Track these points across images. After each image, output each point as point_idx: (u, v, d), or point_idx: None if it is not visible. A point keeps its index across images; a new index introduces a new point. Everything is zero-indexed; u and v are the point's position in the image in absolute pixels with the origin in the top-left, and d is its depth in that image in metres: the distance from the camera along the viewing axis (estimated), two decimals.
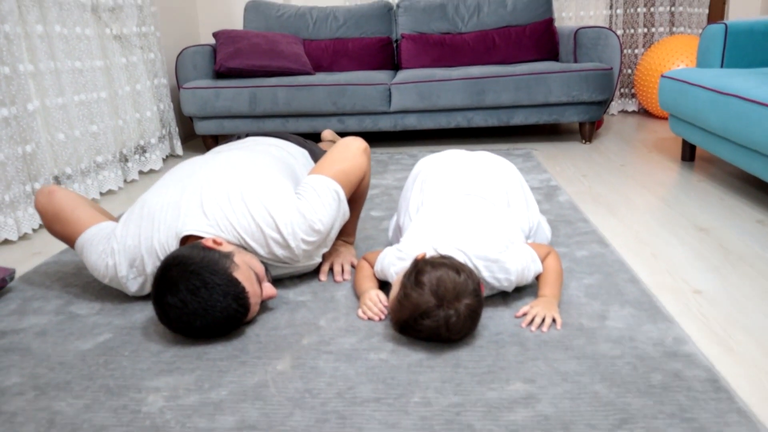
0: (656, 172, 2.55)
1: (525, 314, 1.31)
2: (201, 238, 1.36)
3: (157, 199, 1.43)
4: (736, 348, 1.19)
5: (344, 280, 1.56)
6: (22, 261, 1.89)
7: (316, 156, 1.99)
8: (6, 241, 2.06)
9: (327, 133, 2.94)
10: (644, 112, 4.13)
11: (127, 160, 2.85)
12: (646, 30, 4.13)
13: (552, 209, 2.05)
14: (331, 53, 3.66)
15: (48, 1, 2.31)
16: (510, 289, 1.35)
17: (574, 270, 1.56)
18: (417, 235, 1.40)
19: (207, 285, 1.20)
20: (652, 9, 4.06)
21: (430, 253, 1.29)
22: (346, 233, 1.70)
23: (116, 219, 1.63)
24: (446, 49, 3.60)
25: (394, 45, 3.74)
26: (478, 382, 1.10)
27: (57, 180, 2.38)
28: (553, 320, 1.28)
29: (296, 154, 1.84)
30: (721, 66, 2.59)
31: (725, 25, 2.57)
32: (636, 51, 4.12)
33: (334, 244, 1.66)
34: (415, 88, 3.10)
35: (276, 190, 1.42)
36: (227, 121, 3.28)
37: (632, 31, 4.11)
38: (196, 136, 3.94)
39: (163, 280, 1.22)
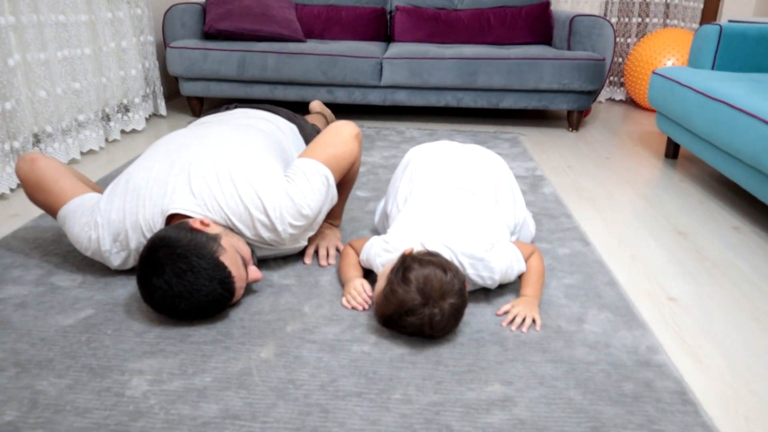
0: (640, 168, 2.58)
1: (506, 312, 1.33)
2: (187, 217, 1.35)
3: (143, 174, 1.42)
4: (705, 360, 1.23)
5: (329, 264, 1.57)
6: (0, 222, 1.86)
7: (305, 131, 1.98)
8: None
9: (315, 104, 2.90)
10: (631, 102, 4.16)
11: (109, 119, 2.79)
12: (640, 20, 4.12)
13: (537, 201, 2.08)
14: (324, 20, 3.60)
15: None
16: (493, 286, 1.37)
17: (555, 268, 1.59)
18: (405, 227, 1.41)
19: (193, 269, 1.20)
20: None
21: (417, 248, 1.31)
22: (333, 216, 1.71)
23: (100, 190, 1.61)
24: (440, 25, 3.56)
25: (388, 16, 3.69)
26: (457, 381, 1.13)
27: (37, 138, 2.33)
28: (533, 321, 1.30)
29: (285, 129, 1.83)
30: (712, 68, 2.61)
31: (720, 27, 2.58)
32: (629, 40, 4.12)
33: (321, 227, 1.66)
34: (407, 64, 3.08)
35: (265, 171, 1.41)
36: (214, 84, 3.22)
37: (626, 20, 4.11)
38: (180, 96, 3.87)
39: (149, 261, 1.21)
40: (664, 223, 1.95)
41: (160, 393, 1.07)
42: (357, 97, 3.20)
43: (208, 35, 3.26)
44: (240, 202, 1.36)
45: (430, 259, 1.23)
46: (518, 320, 1.30)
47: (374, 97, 3.21)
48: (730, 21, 3.17)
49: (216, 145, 1.47)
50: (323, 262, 1.57)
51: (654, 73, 2.68)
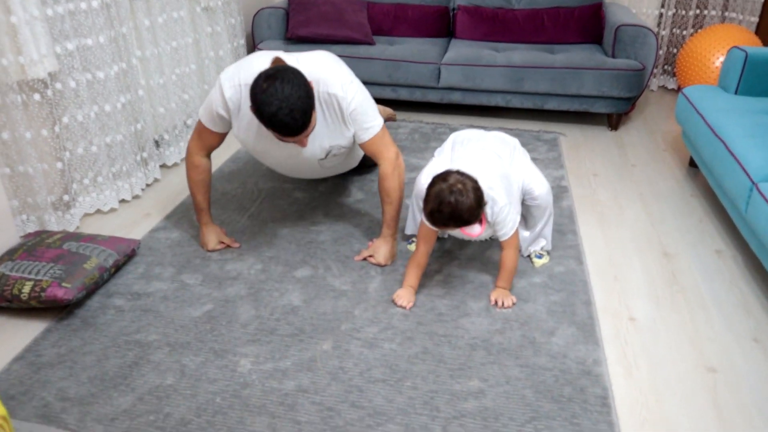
0: (660, 178, 2.95)
1: (495, 301, 1.94)
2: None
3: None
4: (634, 373, 1.73)
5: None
6: (138, 221, 2.52)
7: None
8: (123, 201, 2.70)
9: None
10: None
11: None
12: (698, 11, 4.28)
13: (554, 215, 2.53)
14: (392, 18, 4.04)
15: None
16: (490, 218, 1.89)
17: (547, 285, 2.08)
18: (443, 166, 1.98)
19: (293, 79, 1.75)
20: None
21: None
22: (387, 224, 2.17)
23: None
24: (497, 24, 3.92)
25: (451, 14, 4.07)
26: (450, 376, 1.68)
27: (157, 144, 2.97)
28: (512, 303, 1.93)
29: None
30: (736, 92, 2.88)
31: (746, 52, 2.85)
32: (684, 32, 4.30)
33: (379, 240, 2.19)
34: (461, 70, 3.51)
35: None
36: None
37: (684, 12, 4.28)
38: None
39: (267, 73, 1.74)
40: (656, 244, 2.38)
41: (259, 371, 1.69)
42: (418, 96, 3.68)
43: (290, 39, 3.78)
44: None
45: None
46: (500, 302, 1.92)
47: (433, 96, 3.67)
48: None
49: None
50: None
51: (681, 92, 3.00)
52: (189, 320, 1.90)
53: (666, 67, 4.43)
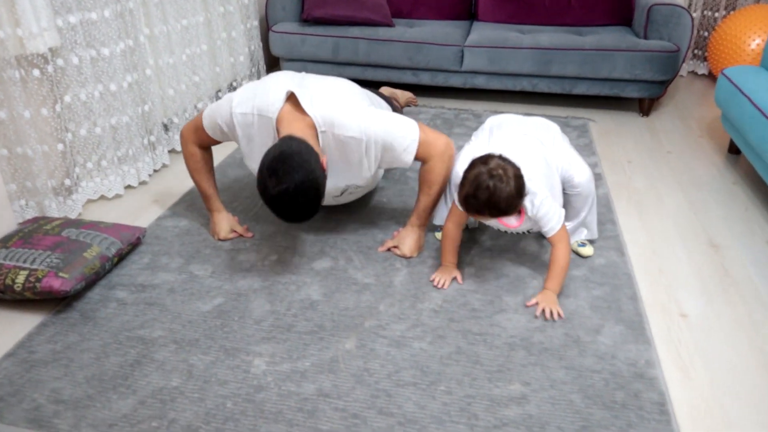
0: (698, 165, 2.76)
1: (536, 304, 1.73)
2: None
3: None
4: (693, 375, 1.55)
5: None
6: (144, 208, 2.36)
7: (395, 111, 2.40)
8: (129, 186, 2.54)
9: (385, 90, 3.22)
10: (713, 77, 4.18)
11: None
12: None
13: None
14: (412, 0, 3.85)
15: None
16: (530, 212, 1.72)
17: (588, 278, 1.90)
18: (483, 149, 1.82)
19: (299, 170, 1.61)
20: None
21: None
22: (417, 214, 2.00)
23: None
24: (522, 6, 3.73)
25: None
26: (488, 379, 1.51)
27: (165, 127, 2.81)
28: (559, 313, 1.70)
29: (384, 105, 2.28)
30: None
31: None
32: (716, 14, 4.10)
33: (405, 230, 2.02)
34: (486, 52, 3.32)
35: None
36: (311, 65, 3.60)
37: None
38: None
39: (270, 167, 1.61)
40: (701, 234, 2.20)
41: (275, 372, 1.52)
42: (439, 80, 3.49)
43: (306, 20, 3.61)
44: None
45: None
46: (547, 313, 1.69)
47: (455, 81, 3.48)
48: None
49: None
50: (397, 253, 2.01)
51: (722, 73, 2.80)
52: (197, 315, 1.73)
53: (696, 51, 4.22)
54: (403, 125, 1.85)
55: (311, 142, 1.74)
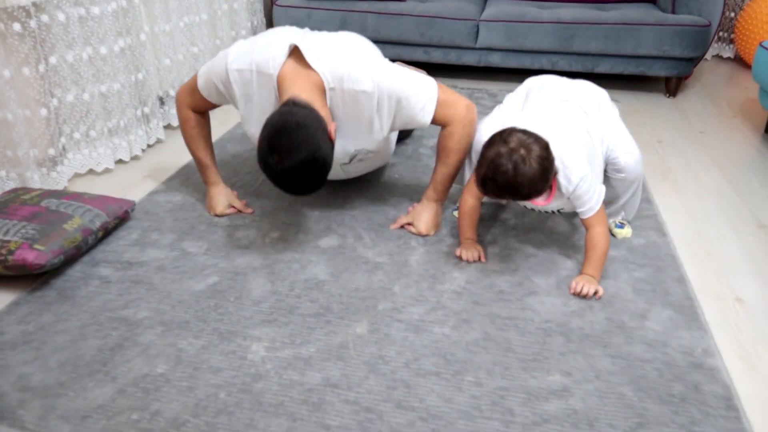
0: (734, 145, 2.55)
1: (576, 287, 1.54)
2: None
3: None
4: (759, 366, 1.34)
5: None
6: (136, 184, 2.16)
7: None
8: (120, 161, 2.34)
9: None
10: (739, 61, 3.96)
11: None
12: None
13: None
14: None
15: None
16: (565, 189, 1.52)
17: (628, 259, 1.70)
18: (513, 116, 1.62)
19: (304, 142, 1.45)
20: None
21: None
22: (434, 186, 1.79)
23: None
24: None
25: None
26: (523, 368, 1.30)
27: (161, 101, 2.61)
28: (596, 292, 1.51)
29: None
30: None
31: None
32: None
33: (421, 205, 1.82)
34: (503, 27, 3.11)
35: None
36: None
37: None
38: None
39: (270, 140, 1.45)
40: (747, 215, 1.99)
41: (275, 359, 1.32)
42: (452, 57, 3.28)
43: None
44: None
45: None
46: (585, 290, 1.50)
47: (469, 58, 3.27)
48: None
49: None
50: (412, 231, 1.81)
51: (761, 45, 2.59)
52: (189, 295, 1.53)
53: (721, 33, 4.00)
54: (421, 81, 1.65)
55: (317, 104, 1.54)
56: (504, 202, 1.89)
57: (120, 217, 1.80)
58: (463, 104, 1.69)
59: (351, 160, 1.80)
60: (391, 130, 1.70)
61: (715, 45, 4.02)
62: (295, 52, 1.62)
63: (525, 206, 1.69)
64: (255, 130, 1.73)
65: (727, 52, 4.01)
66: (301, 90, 1.56)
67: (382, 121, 1.65)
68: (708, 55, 3.97)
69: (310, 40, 1.64)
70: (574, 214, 1.84)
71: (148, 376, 1.28)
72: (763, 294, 1.59)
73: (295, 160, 1.41)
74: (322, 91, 1.59)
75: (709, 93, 3.24)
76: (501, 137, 1.44)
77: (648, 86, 3.34)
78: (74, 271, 1.63)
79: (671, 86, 3.18)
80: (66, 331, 1.41)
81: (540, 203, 1.58)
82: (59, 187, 2.06)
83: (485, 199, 1.79)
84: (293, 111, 1.47)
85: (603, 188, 1.56)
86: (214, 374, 1.28)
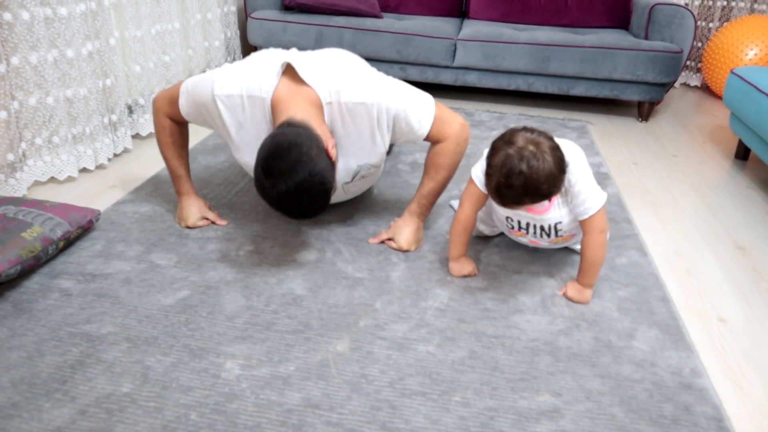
0: (707, 169, 2.58)
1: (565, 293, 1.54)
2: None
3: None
4: (746, 387, 1.31)
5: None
6: (100, 194, 2.06)
7: None
8: (84, 170, 2.23)
9: None
10: (706, 90, 4.06)
11: None
12: (725, 3, 3.97)
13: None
14: None
15: None
16: (567, 185, 1.46)
17: (611, 278, 1.67)
18: None
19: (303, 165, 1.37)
20: None
21: None
22: (418, 200, 1.72)
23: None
24: (516, 5, 3.55)
25: None
26: (511, 388, 1.25)
27: (130, 109, 2.52)
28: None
29: None
30: None
31: None
32: (710, 24, 3.99)
33: (402, 219, 1.76)
34: (481, 46, 3.11)
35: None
36: None
37: (710, 2, 3.97)
38: None
39: (267, 166, 1.38)
40: (724, 236, 1.99)
41: (251, 378, 1.24)
42: (429, 76, 3.27)
43: (288, 7, 3.36)
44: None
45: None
46: (570, 296, 1.53)
47: (446, 77, 3.26)
48: None
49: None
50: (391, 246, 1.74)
51: (732, 72, 2.64)
52: (158, 309, 1.44)
53: (689, 62, 4.10)
54: (419, 95, 1.61)
55: (314, 122, 1.47)
56: (522, 210, 1.74)
57: (83, 227, 1.70)
58: (459, 122, 1.65)
59: (354, 177, 1.73)
60: (389, 143, 1.65)
61: (683, 73, 4.11)
62: (287, 72, 1.55)
63: (532, 217, 1.60)
64: (249, 159, 1.64)
65: (695, 81, 4.10)
66: (296, 110, 1.48)
67: (382, 133, 1.59)
68: (677, 83, 4.05)
69: (301, 58, 1.58)
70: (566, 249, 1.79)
71: (111, 395, 1.18)
72: (746, 314, 1.57)
73: (291, 181, 1.34)
74: (319, 107, 1.53)
75: (680, 119, 3.29)
76: (504, 140, 1.36)
77: (621, 110, 3.38)
78: (32, 283, 1.52)
79: (644, 111, 3.21)
80: (21, 346, 1.30)
81: (543, 210, 1.53)
82: (18, 194, 1.95)
83: (480, 227, 1.76)
84: (286, 131, 1.39)
85: (604, 194, 1.51)
86: (185, 393, 1.19)
